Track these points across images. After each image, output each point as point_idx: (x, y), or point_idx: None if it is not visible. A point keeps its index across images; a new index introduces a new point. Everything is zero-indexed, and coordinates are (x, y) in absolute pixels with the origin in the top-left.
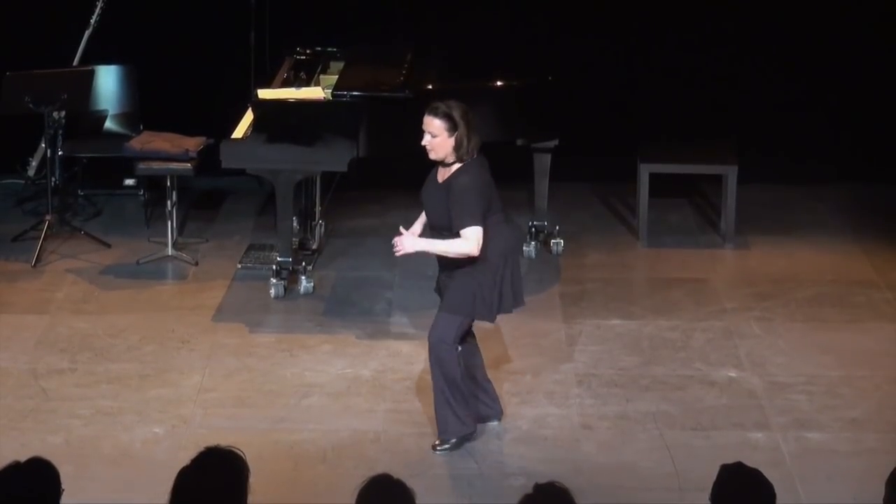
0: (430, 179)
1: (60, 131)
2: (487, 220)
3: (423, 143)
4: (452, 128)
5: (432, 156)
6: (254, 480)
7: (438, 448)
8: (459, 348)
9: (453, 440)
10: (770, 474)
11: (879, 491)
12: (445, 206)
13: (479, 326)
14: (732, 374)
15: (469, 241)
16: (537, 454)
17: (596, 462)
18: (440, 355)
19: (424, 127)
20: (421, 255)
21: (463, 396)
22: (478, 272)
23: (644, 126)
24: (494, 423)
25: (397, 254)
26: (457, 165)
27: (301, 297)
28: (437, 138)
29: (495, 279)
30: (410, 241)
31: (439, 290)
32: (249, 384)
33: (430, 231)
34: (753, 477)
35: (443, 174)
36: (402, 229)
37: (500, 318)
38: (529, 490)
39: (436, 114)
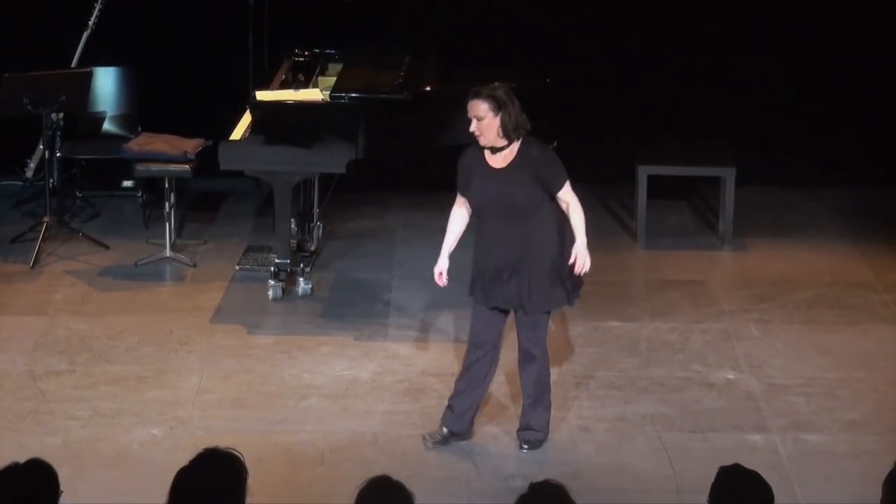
0: (478, 177)
1: (59, 133)
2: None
3: (471, 129)
4: (497, 107)
5: (482, 141)
6: (252, 482)
7: (526, 448)
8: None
9: (540, 437)
10: (768, 476)
11: (877, 493)
12: (524, 182)
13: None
14: (730, 375)
15: (574, 197)
16: (535, 456)
17: (594, 464)
18: (543, 368)
19: (470, 112)
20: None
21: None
22: (556, 262)
23: (642, 128)
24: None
25: (585, 272)
26: (515, 145)
27: (299, 299)
28: (484, 120)
29: (564, 266)
30: (583, 252)
31: (498, 296)
32: (248, 386)
33: (500, 221)
34: (751, 478)
35: (501, 160)
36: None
37: None
38: (525, 491)
39: (479, 96)
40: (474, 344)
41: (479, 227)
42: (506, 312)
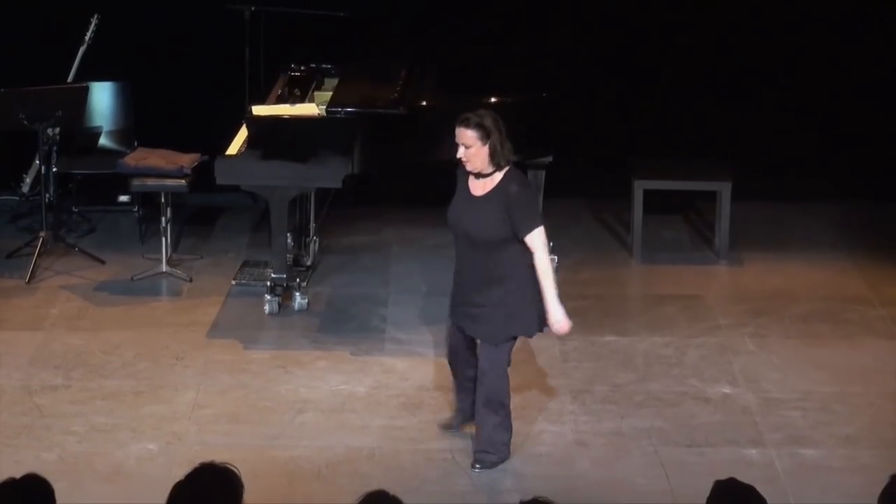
0: (459, 197)
1: (55, 148)
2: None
3: (459, 155)
4: (485, 136)
5: (469, 168)
6: (248, 497)
7: (478, 468)
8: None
9: (493, 459)
10: (764, 490)
11: None
12: (494, 217)
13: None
14: (726, 390)
15: (541, 248)
16: (532, 470)
17: (590, 478)
18: (494, 384)
19: (458, 139)
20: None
21: (510, 420)
22: (520, 290)
23: (638, 142)
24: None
25: (566, 332)
26: (499, 175)
27: (295, 314)
28: (472, 149)
29: (536, 293)
30: (561, 314)
31: (462, 316)
32: (244, 401)
33: (467, 247)
34: (747, 492)
35: (482, 186)
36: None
37: None
38: None
39: (467, 125)
40: (454, 362)
41: (455, 249)
42: None
